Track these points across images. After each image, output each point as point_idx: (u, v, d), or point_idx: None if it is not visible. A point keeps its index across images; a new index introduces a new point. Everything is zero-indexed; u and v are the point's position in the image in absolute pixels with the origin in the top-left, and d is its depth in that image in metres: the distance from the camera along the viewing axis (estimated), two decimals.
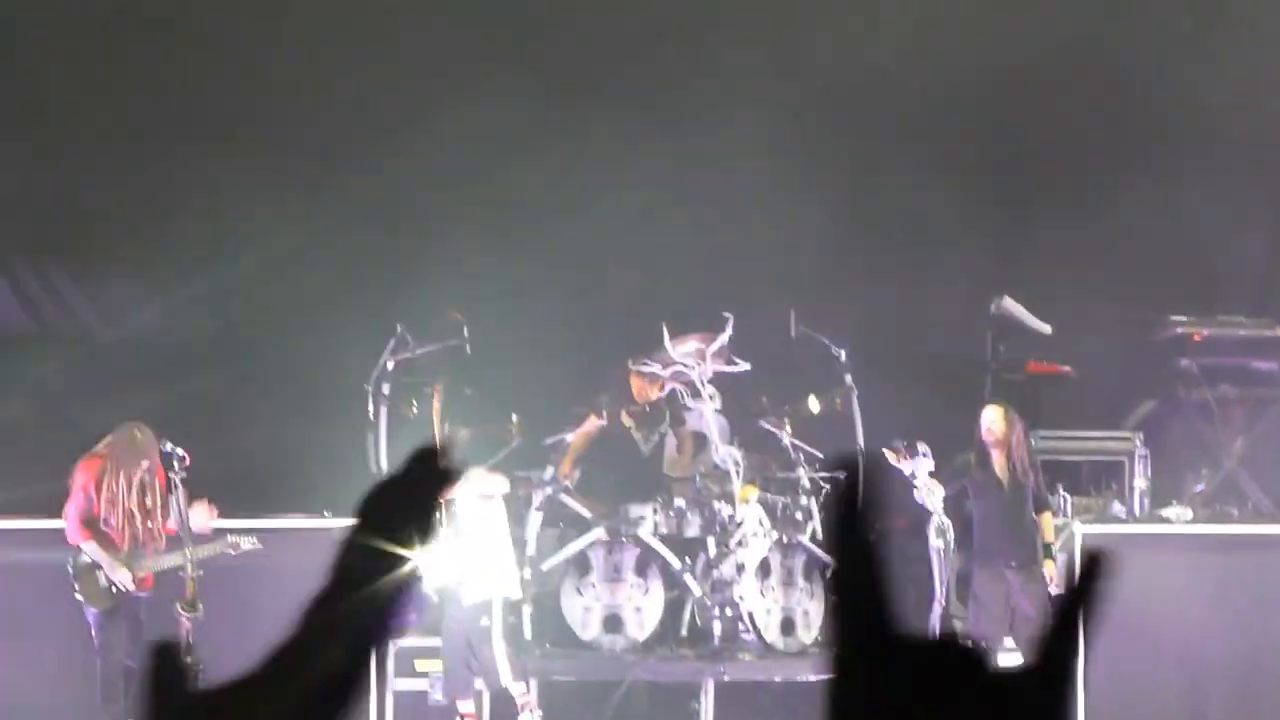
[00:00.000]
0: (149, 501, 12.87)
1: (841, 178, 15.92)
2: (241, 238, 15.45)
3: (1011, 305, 15.17)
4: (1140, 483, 14.87)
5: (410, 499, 1.79)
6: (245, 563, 13.06)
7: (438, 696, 13.35)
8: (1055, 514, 14.10)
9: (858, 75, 15.73)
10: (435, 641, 13.30)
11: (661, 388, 14.39)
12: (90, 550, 12.77)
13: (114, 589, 12.81)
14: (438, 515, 1.81)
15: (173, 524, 12.77)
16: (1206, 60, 16.03)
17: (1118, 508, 14.78)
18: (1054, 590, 13.08)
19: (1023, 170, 16.53)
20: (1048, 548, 13.32)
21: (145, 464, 12.81)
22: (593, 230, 15.63)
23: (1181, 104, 15.94)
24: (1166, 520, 14.54)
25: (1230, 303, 15.91)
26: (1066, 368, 15.48)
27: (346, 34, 15.71)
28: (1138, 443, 15.00)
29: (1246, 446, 15.24)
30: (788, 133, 15.63)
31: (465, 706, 13.14)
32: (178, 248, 15.53)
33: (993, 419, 13.45)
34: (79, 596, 12.82)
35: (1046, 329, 15.21)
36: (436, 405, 13.55)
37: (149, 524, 12.88)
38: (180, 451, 12.62)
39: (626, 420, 14.36)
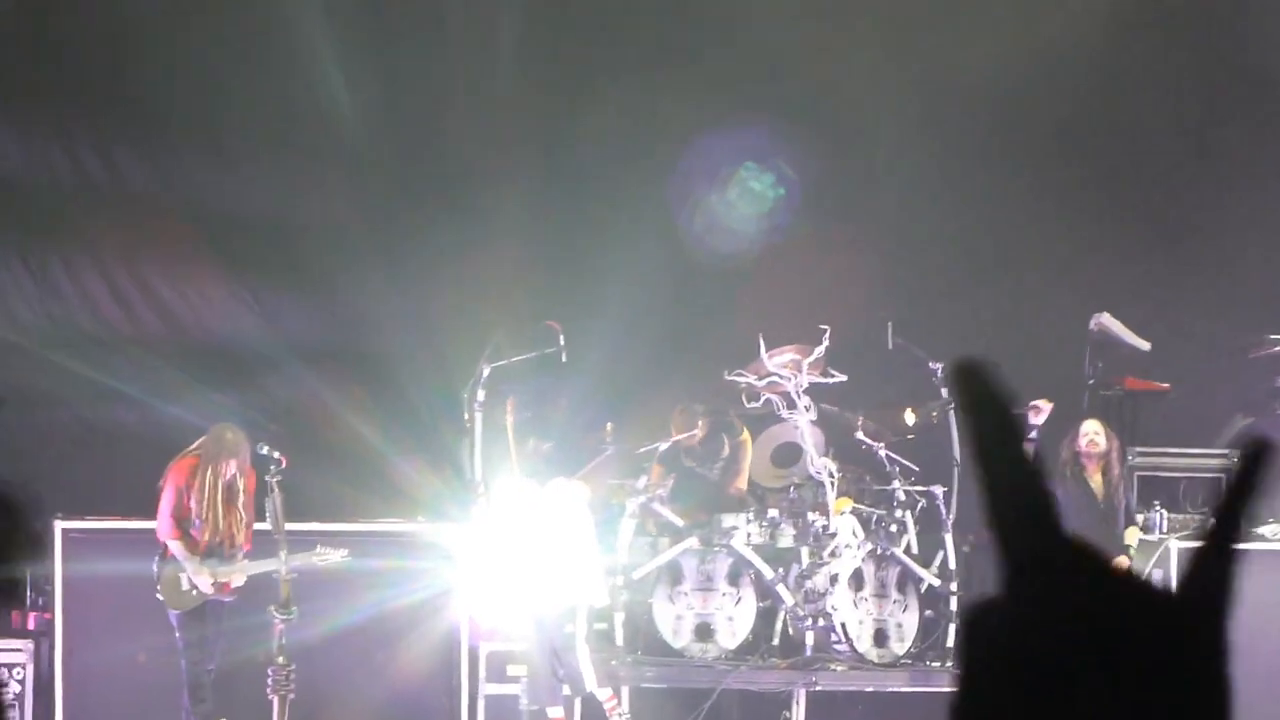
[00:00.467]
0: (236, 503, 13.01)
1: (944, 189, 15.94)
2: (348, 246, 15.61)
3: (1110, 321, 15.15)
4: None
5: None
6: (339, 566, 13.17)
7: (526, 702, 13.41)
8: (1147, 530, 14.17)
9: (961, 83, 15.72)
10: (524, 646, 13.41)
11: (702, 425, 14.45)
12: (176, 550, 12.95)
13: (194, 591, 12.97)
14: None
15: (268, 525, 12.86)
16: None
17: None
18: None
19: (1126, 185, 16.46)
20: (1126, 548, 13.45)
21: (234, 463, 12.95)
22: (690, 238, 15.74)
23: None
24: (1263, 538, 14.47)
25: None
26: (1165, 384, 15.47)
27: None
28: (1235, 459, 14.82)
29: None
30: (891, 141, 15.69)
31: (554, 712, 13.19)
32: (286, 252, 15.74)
33: (1095, 431, 13.46)
34: (160, 597, 13.02)
35: (1145, 345, 15.19)
36: (510, 419, 13.67)
37: (233, 526, 13.02)
38: (277, 455, 12.71)
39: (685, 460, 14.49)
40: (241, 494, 13.03)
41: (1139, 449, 14.83)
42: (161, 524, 12.97)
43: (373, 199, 15.77)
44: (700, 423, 14.44)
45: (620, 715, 13.23)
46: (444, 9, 15.99)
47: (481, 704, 13.71)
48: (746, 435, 14.69)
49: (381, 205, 15.76)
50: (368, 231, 15.62)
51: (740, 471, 14.68)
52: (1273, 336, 15.46)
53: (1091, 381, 15.12)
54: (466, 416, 14.21)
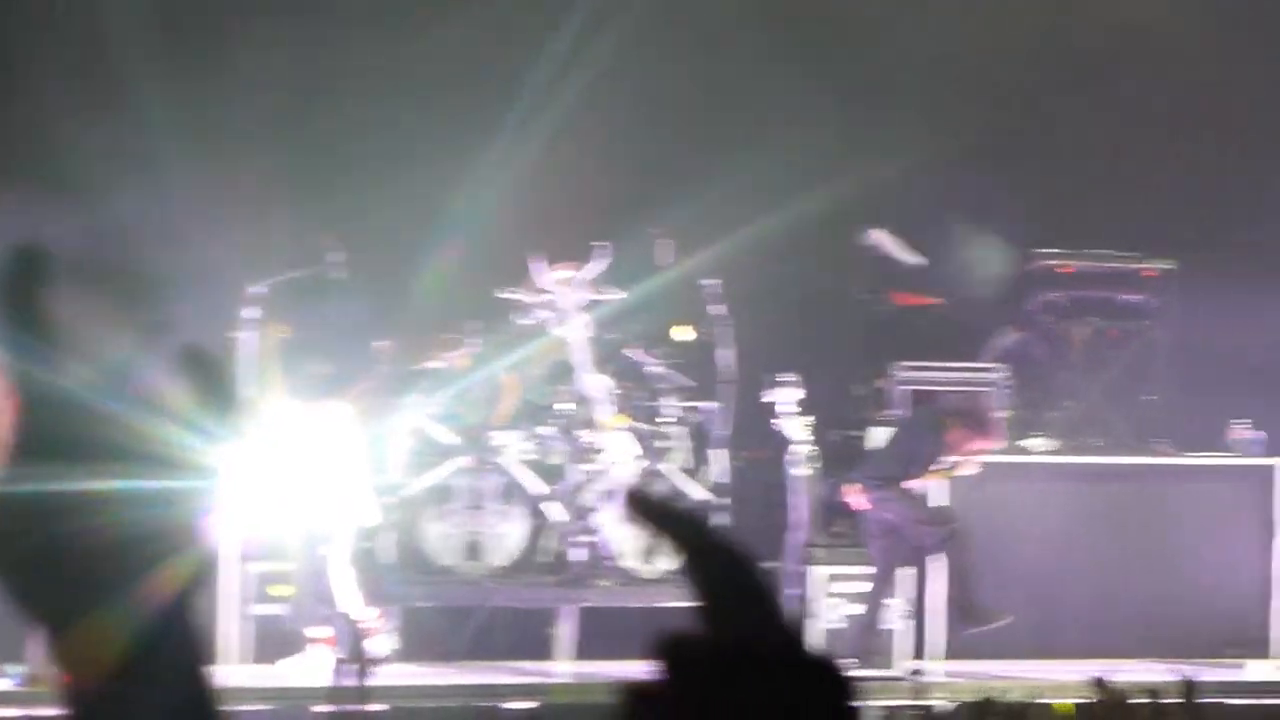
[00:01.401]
0: None
1: (718, 110, 15.92)
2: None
3: (882, 236, 15.26)
4: (1004, 413, 14.94)
5: None
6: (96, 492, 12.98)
7: (291, 622, 13.32)
8: None
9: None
10: (290, 566, 13.30)
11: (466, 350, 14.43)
12: None
13: None
14: None
15: None
16: None
17: None
18: None
19: (916, 101, 16.49)
20: None
21: None
22: (464, 162, 15.63)
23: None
24: (1027, 450, 14.66)
25: (1101, 239, 16.00)
26: (936, 299, 15.58)
27: None
28: (999, 373, 15.07)
29: (1111, 377, 15.35)
30: (658, 66, 15.65)
31: (319, 632, 13.08)
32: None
33: None
34: None
35: (918, 260, 15.29)
36: (278, 338, 13.57)
37: None
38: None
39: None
40: None
41: (907, 364, 14.92)
42: None
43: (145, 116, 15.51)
44: (465, 348, 14.38)
45: (383, 636, 13.16)
46: None
47: (250, 624, 13.53)
48: (513, 378, 14.60)
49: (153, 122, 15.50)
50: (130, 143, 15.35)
51: (503, 403, 14.59)
52: (1043, 250, 15.68)
53: (862, 297, 15.30)
54: (239, 334, 14.09)
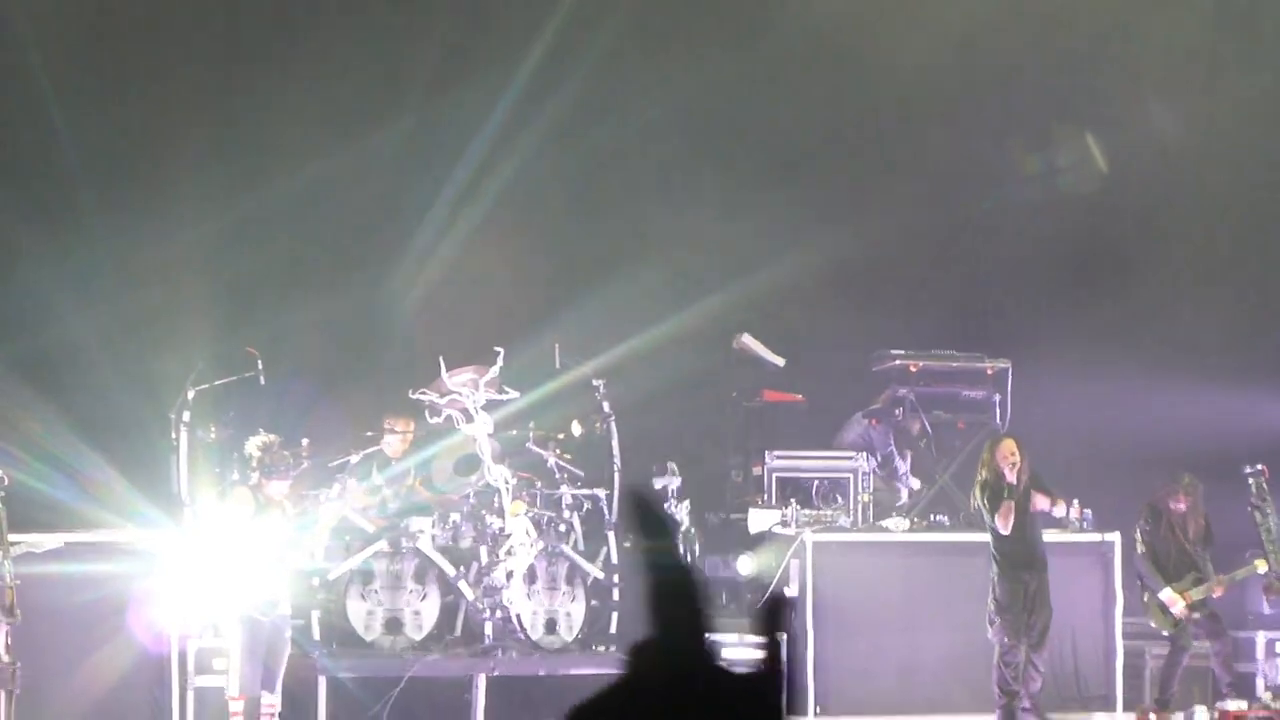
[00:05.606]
0: None
1: (599, 220, 17.03)
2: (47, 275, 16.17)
3: (749, 340, 16.35)
4: (864, 497, 16.12)
5: None
6: (52, 575, 13.76)
7: (233, 693, 13.93)
8: (785, 525, 15.53)
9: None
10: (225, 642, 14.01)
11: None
12: None
13: None
14: None
15: None
16: None
17: (844, 519, 16.03)
18: None
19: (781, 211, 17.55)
20: None
21: None
22: (376, 270, 16.68)
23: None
24: (886, 529, 15.81)
25: (944, 340, 17.13)
26: (799, 396, 16.67)
27: None
28: (860, 461, 16.26)
29: (957, 464, 16.46)
30: (547, 172, 16.73)
31: (235, 705, 13.75)
32: None
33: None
34: None
35: (780, 361, 16.41)
36: (213, 437, 14.54)
37: None
38: (1, 473, 13.42)
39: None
40: None
41: (777, 452, 16.04)
42: None
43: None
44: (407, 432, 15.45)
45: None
46: None
47: (191, 695, 14.25)
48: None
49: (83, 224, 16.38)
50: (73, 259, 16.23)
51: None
52: (894, 351, 16.80)
53: (734, 394, 16.38)
54: (173, 435, 15.03)
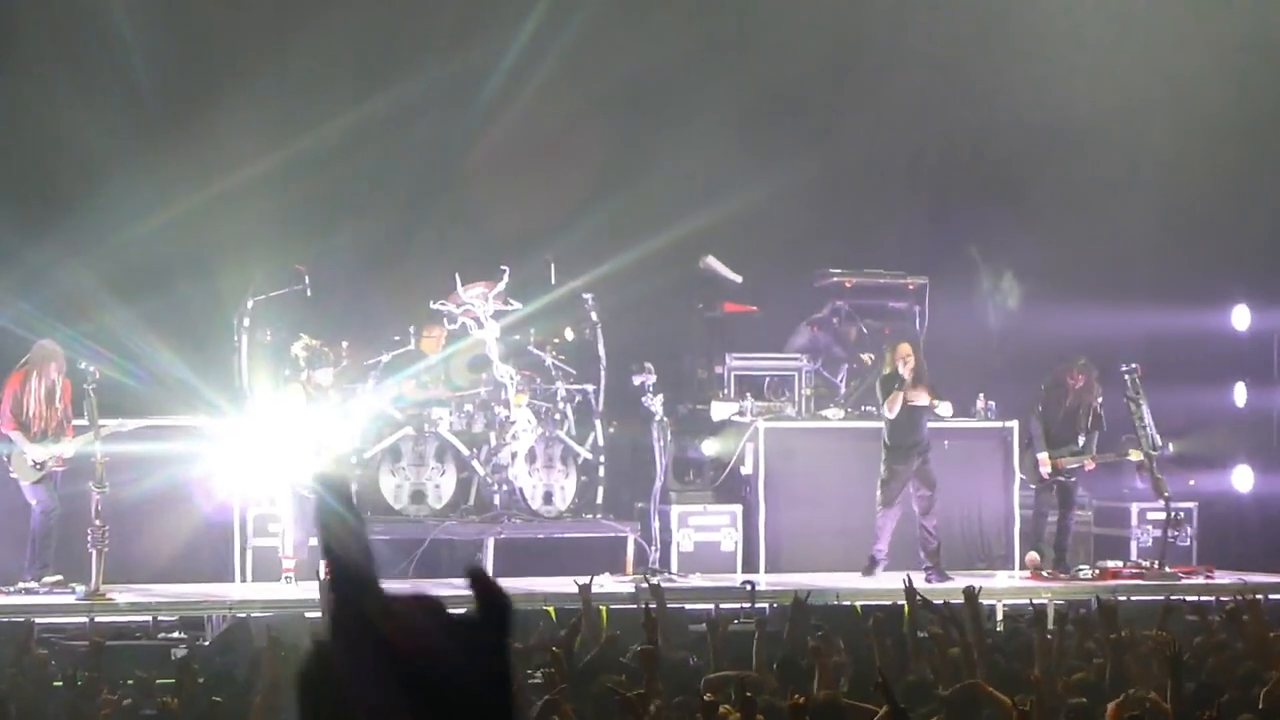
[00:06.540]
0: (55, 400, 15.20)
1: (587, 157, 18.72)
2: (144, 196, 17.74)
3: (713, 261, 18.24)
4: (806, 391, 18.17)
5: None
6: (134, 453, 15.45)
7: (286, 552, 15.77)
8: (742, 415, 17.49)
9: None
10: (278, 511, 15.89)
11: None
12: (16, 438, 15.24)
13: (37, 466, 15.23)
14: None
15: (84, 420, 15.14)
16: None
17: (791, 410, 18.02)
18: None
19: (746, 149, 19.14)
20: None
21: (54, 367, 15.16)
22: (404, 199, 18.61)
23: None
24: (825, 418, 17.77)
25: (875, 259, 19.12)
26: (754, 307, 18.51)
27: None
28: (804, 361, 18.31)
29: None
30: (545, 120, 18.57)
31: (288, 562, 15.67)
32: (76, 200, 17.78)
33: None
34: (13, 474, 15.36)
35: (738, 278, 18.27)
36: (269, 340, 16.55)
37: (56, 416, 15.18)
38: (93, 368, 15.18)
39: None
40: (59, 391, 15.19)
41: (735, 354, 18.01)
42: (3, 420, 15.22)
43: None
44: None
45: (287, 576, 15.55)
46: None
47: (250, 553, 16.14)
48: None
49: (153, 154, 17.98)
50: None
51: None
52: (831, 270, 18.76)
53: (700, 306, 18.25)
54: (235, 337, 16.89)
